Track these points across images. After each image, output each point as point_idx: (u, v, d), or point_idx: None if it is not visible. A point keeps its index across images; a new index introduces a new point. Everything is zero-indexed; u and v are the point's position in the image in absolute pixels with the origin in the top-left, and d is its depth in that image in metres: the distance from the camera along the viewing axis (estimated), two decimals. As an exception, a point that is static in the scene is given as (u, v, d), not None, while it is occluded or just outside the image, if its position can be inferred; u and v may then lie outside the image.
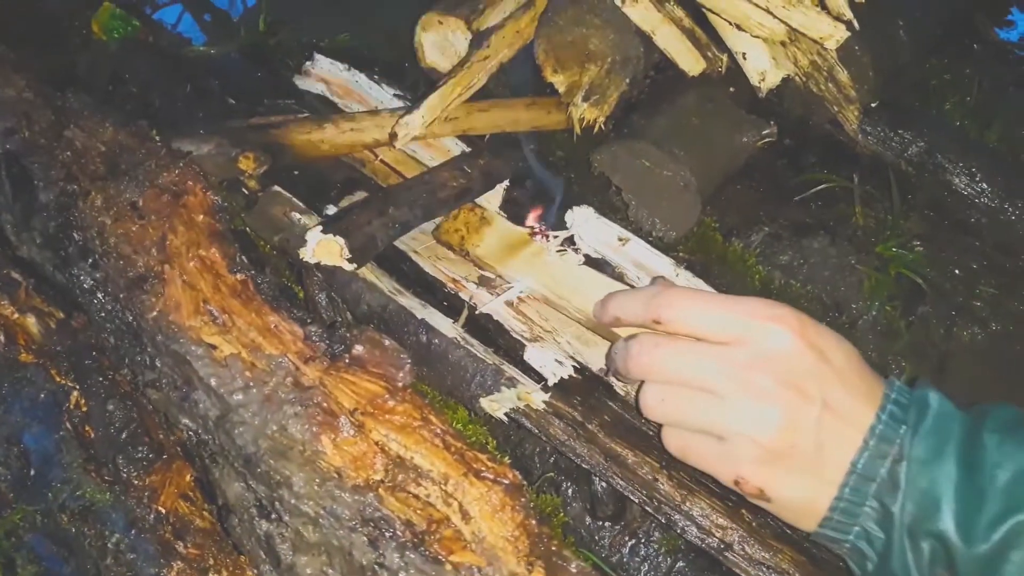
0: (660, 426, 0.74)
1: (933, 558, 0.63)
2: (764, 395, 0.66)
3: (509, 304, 0.91)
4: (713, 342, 0.68)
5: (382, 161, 1.12)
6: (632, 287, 0.89)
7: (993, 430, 0.64)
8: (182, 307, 0.74)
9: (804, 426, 0.65)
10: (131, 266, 0.78)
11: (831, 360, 0.67)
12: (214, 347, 0.71)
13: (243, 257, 0.79)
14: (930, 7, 1.33)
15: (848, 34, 1.10)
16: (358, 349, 0.68)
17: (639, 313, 0.73)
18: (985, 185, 1.15)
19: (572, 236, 0.94)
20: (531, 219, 1.01)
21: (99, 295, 0.79)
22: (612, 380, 0.85)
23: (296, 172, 1.08)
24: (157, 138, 0.92)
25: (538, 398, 0.81)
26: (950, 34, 1.38)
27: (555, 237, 0.95)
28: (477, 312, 0.90)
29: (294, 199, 1.00)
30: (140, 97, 1.18)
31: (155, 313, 0.74)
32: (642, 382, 0.72)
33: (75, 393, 0.78)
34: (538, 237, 0.95)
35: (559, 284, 0.90)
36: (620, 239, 0.94)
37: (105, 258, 0.80)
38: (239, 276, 0.77)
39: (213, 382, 0.69)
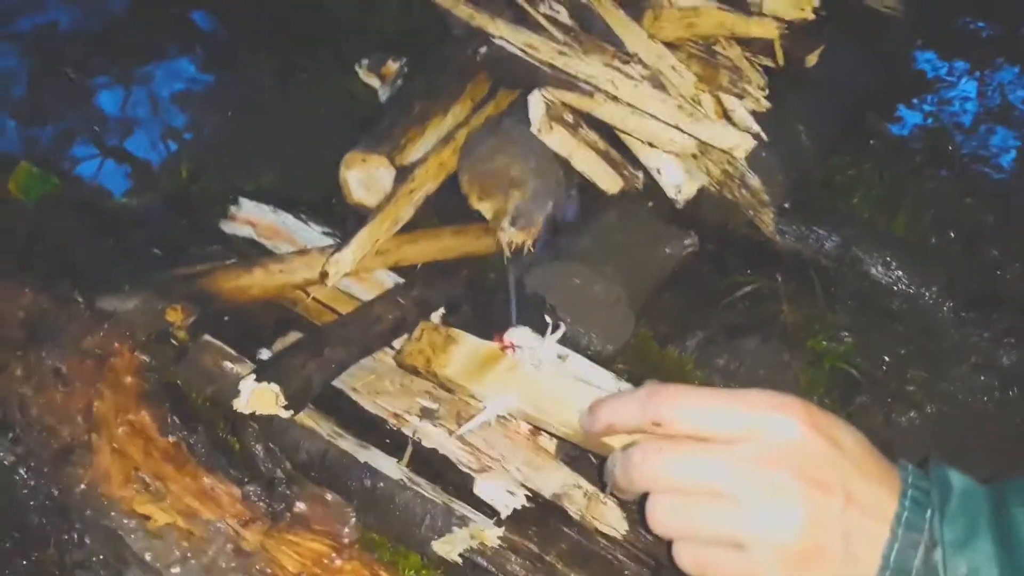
0: (668, 544, 0.66)
1: None
2: (781, 492, 0.60)
3: (454, 435, 0.89)
4: (719, 441, 0.63)
5: (314, 299, 1.11)
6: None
7: (1019, 504, 0.60)
8: (112, 477, 0.71)
9: (828, 522, 0.60)
10: (56, 437, 0.75)
11: (844, 447, 0.62)
12: (148, 517, 0.68)
13: (175, 417, 0.76)
14: (826, 110, 1.42)
15: (754, 143, 1.16)
16: (300, 506, 0.66)
17: (635, 416, 0.67)
18: (900, 273, 1.20)
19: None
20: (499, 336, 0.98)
21: (21, 471, 0.75)
22: (609, 497, 0.81)
23: (226, 318, 1.06)
24: (80, 299, 0.90)
25: (492, 534, 0.79)
26: (847, 133, 1.47)
27: (529, 350, 0.92)
28: (420, 445, 0.88)
29: (225, 347, 0.98)
30: (61, 255, 1.16)
31: (83, 486, 0.71)
32: (646, 495, 0.66)
33: (-4, 582, 0.72)
34: (509, 351, 0.90)
35: (540, 398, 0.85)
36: (560, 356, 0.94)
37: (27, 431, 0.76)
38: (171, 438, 0.74)
39: (148, 556, 0.65)
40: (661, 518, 0.64)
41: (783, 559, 0.61)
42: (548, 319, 0.92)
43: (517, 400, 0.86)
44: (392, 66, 1.44)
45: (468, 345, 0.93)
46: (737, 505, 0.62)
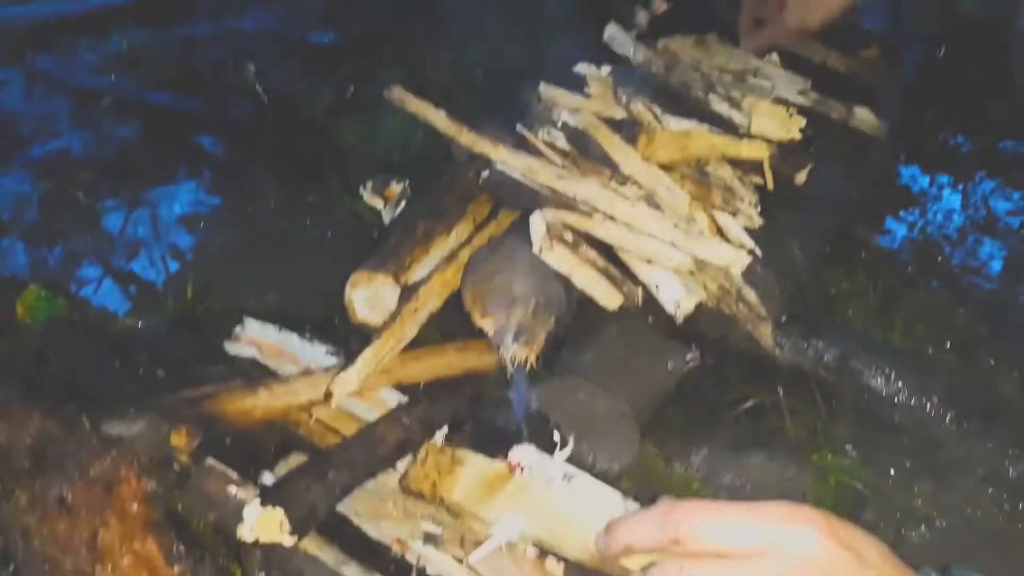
0: None
1: None
2: None
3: (464, 563, 0.88)
4: (740, 556, 0.62)
5: (317, 420, 1.11)
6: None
7: None
8: (114, 611, 0.70)
9: None
10: (58, 570, 0.74)
11: (867, 560, 0.61)
12: (150, 656, 0.66)
13: (181, 546, 0.75)
14: (817, 225, 1.46)
15: (749, 259, 1.20)
16: (308, 640, 0.64)
17: (654, 536, 0.66)
18: (901, 384, 1.21)
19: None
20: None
21: (20, 606, 0.74)
22: None
23: (229, 440, 1.06)
24: (87, 424, 0.90)
25: (502, 667, 0.77)
26: (838, 246, 1.51)
27: (537, 469, 0.90)
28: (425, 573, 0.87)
29: (229, 471, 0.98)
30: (67, 378, 1.16)
31: (84, 622, 0.69)
32: None
33: None
34: (517, 472, 0.90)
35: (551, 520, 0.84)
36: (565, 476, 0.93)
37: (28, 563, 0.75)
38: (177, 569, 0.73)
39: None
40: None
41: None
42: (556, 437, 0.92)
43: (527, 523, 0.85)
44: (395, 188, 1.48)
45: (475, 466, 0.92)
46: None
